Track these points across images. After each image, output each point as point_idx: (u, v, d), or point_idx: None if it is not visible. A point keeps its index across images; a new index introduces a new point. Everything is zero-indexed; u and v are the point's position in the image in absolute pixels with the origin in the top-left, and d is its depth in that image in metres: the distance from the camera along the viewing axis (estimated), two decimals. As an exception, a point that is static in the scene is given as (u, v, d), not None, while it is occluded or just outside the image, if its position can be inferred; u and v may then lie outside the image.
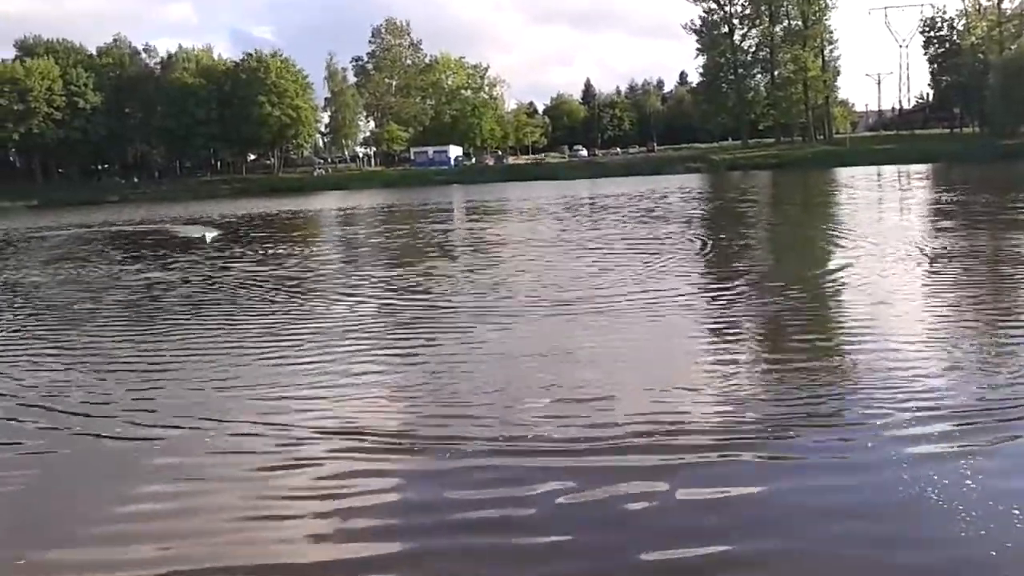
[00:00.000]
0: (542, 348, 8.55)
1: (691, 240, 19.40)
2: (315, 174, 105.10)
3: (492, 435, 5.89)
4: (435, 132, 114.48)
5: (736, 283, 12.60)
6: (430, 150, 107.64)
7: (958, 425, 5.59)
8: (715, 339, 8.96)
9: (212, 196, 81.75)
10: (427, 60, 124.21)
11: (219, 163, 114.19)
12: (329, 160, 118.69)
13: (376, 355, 8.74)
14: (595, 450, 5.50)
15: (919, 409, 5.94)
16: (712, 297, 11.63)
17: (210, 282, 15.73)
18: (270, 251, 21.77)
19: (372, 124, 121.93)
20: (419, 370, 7.93)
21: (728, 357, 7.97)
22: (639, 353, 8.24)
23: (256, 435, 6.15)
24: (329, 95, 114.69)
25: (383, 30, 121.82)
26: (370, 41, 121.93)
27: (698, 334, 9.28)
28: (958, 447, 5.20)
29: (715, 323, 9.90)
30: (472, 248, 20.34)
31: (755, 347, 8.60)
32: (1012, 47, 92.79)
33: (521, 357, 8.21)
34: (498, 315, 10.68)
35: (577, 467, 5.26)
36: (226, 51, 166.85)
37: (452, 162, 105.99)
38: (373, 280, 14.89)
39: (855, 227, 20.87)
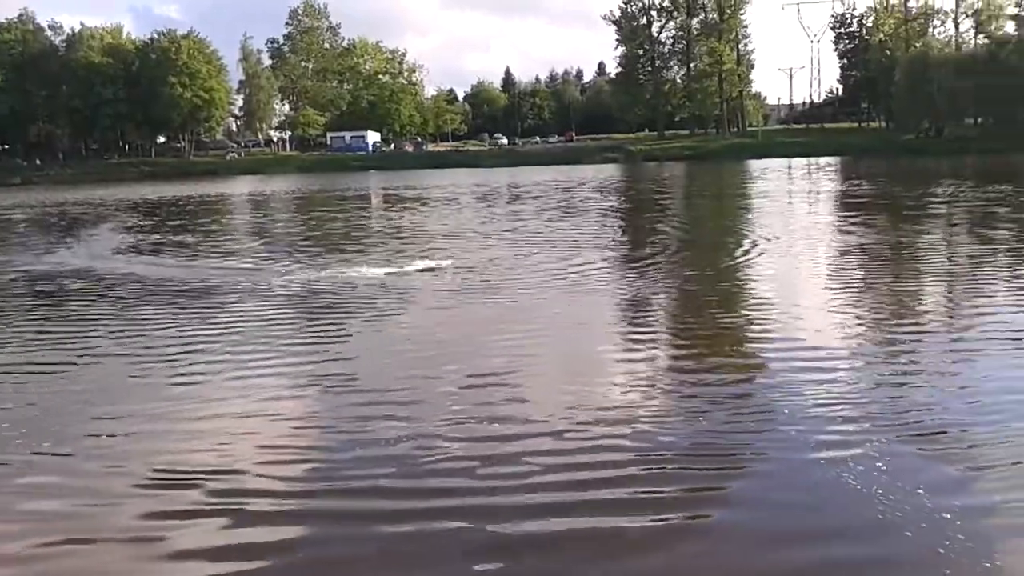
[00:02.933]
0: (452, 337, 8.45)
1: (607, 231, 19.50)
2: (228, 158, 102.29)
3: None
4: (353, 117, 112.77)
5: (649, 272, 12.66)
6: (347, 135, 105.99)
7: (863, 418, 5.67)
8: (626, 332, 8.95)
9: (120, 179, 78.98)
10: (345, 44, 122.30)
11: (127, 145, 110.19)
12: (242, 144, 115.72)
13: (263, 365, 7.97)
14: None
15: (823, 402, 6.05)
16: (624, 288, 11.63)
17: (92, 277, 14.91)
18: (170, 239, 21.09)
19: (287, 108, 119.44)
20: (314, 378, 7.69)
21: (637, 347, 7.96)
22: (547, 345, 8.17)
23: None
24: (243, 77, 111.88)
25: (300, 12, 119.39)
26: (287, 23, 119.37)
27: (609, 328, 9.27)
28: (863, 438, 5.26)
29: (626, 316, 9.91)
30: (390, 236, 20.00)
31: (662, 337, 8.62)
32: (917, 44, 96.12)
33: (422, 358, 8.07)
34: (414, 306, 10.49)
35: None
36: (129, 28, 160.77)
37: (370, 148, 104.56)
38: (282, 269, 14.50)
39: (766, 219, 21.32)
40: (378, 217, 27.47)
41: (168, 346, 8.51)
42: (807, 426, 5.50)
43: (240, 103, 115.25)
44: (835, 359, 7.15)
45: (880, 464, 4.83)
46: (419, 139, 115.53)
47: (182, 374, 7.40)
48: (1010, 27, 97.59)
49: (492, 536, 4.20)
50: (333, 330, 9.11)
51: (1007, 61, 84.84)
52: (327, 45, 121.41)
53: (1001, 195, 25.12)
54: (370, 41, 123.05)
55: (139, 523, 4.49)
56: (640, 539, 4.17)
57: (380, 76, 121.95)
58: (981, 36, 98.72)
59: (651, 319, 9.58)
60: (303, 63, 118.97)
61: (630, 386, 6.51)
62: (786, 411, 5.80)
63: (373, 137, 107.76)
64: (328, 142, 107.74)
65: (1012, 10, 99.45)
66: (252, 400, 6.51)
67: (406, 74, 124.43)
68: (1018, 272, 11.75)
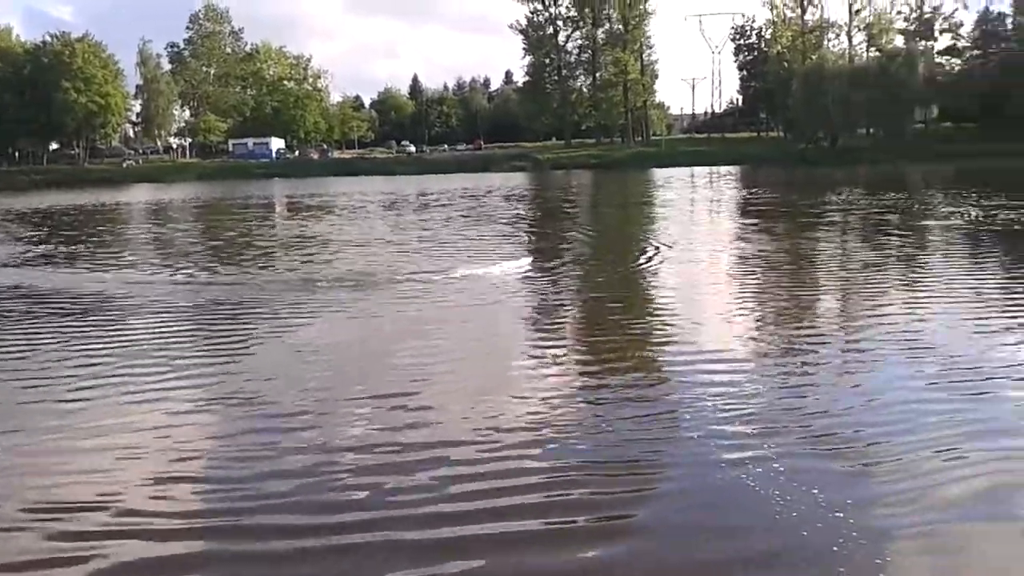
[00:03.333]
0: (358, 350, 8.26)
1: (516, 239, 19.50)
2: (124, 165, 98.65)
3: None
4: (256, 123, 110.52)
5: (558, 280, 12.67)
6: (250, 142, 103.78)
7: (764, 423, 5.72)
8: (535, 343, 8.90)
9: (10, 188, 75.30)
10: (248, 49, 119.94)
11: (17, 153, 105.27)
12: (140, 151, 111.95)
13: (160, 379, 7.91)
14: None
15: (724, 404, 6.10)
16: (533, 297, 11.61)
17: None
18: (62, 250, 20.18)
19: (188, 114, 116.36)
20: (208, 390, 7.40)
21: (545, 358, 7.90)
22: (455, 358, 8.05)
23: None
24: (141, 82, 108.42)
25: (202, 16, 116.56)
26: (187, 27, 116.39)
27: (517, 339, 9.20)
28: (764, 443, 5.30)
29: (534, 326, 9.87)
30: (294, 246, 19.54)
31: (570, 347, 8.59)
32: (813, 56, 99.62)
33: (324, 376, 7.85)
34: (320, 319, 10.22)
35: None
36: (19, 30, 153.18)
37: (274, 155, 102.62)
38: (178, 281, 13.99)
39: (671, 227, 21.67)
40: (282, 226, 26.87)
41: (53, 364, 8.05)
42: (711, 433, 5.53)
43: (138, 109, 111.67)
44: (737, 365, 7.24)
45: (780, 467, 4.93)
46: (325, 146, 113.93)
47: (66, 395, 6.94)
48: (899, 41, 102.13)
49: (397, 563, 4.04)
50: (234, 345, 8.75)
51: (896, 74, 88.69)
52: (229, 50, 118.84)
53: (892, 203, 26.12)
54: (274, 46, 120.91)
55: (6, 562, 4.14)
56: (552, 551, 4.12)
57: (284, 82, 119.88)
58: (873, 49, 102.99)
59: (559, 328, 9.55)
60: (204, 68, 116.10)
61: (538, 398, 6.43)
62: (690, 418, 5.83)
63: (277, 144, 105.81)
64: (230, 149, 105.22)
65: (900, 25, 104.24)
66: (143, 423, 6.15)
67: (311, 80, 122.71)
68: (909, 278, 12.16)
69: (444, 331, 9.05)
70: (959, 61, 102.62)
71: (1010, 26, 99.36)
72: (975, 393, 6.22)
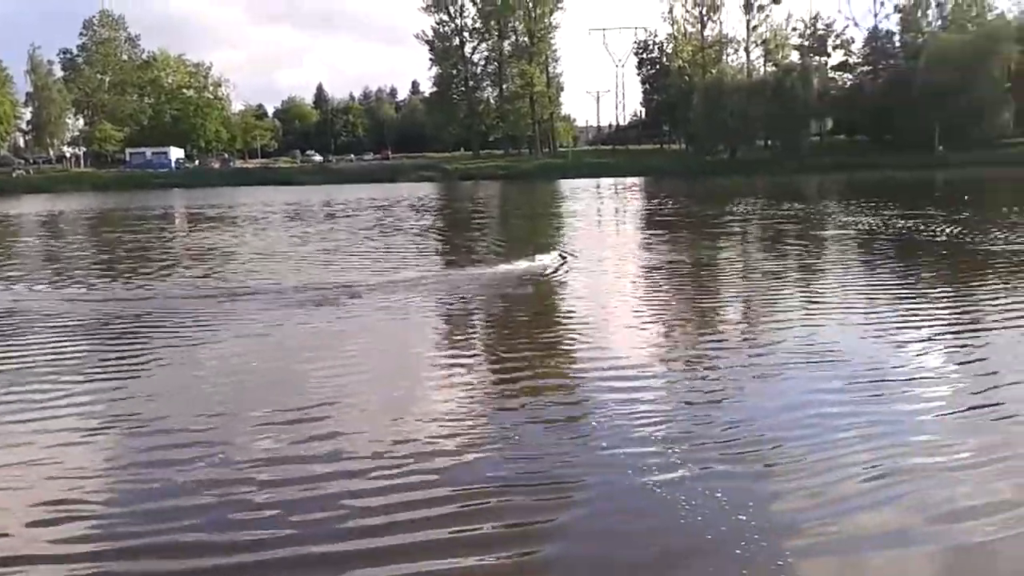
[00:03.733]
0: (263, 367, 7.99)
1: (425, 250, 19.35)
2: (14, 175, 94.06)
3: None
4: (155, 132, 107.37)
5: (466, 292, 12.58)
6: (148, 151, 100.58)
7: (675, 434, 5.73)
8: (444, 358, 8.77)
9: None
10: (145, 56, 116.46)
11: None
12: (31, 160, 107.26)
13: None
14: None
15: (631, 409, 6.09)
16: (442, 309, 11.51)
17: None
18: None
19: (82, 122, 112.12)
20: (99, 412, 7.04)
21: (455, 373, 7.78)
22: (363, 375, 7.86)
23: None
24: (32, 90, 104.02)
25: (96, 22, 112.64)
26: (81, 33, 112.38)
27: (426, 353, 9.05)
28: (674, 454, 5.31)
29: (443, 340, 9.76)
30: (195, 258, 18.92)
31: (480, 361, 8.49)
32: (713, 71, 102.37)
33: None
34: (223, 334, 9.86)
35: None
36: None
37: (173, 164, 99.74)
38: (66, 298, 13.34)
39: (579, 237, 21.85)
40: (182, 238, 26.03)
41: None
42: (623, 445, 5.52)
43: (28, 117, 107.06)
44: (645, 374, 7.27)
45: (686, 472, 5.01)
46: (226, 155, 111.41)
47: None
48: (795, 56, 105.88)
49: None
50: (130, 363, 8.35)
51: (792, 88, 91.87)
52: (125, 57, 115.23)
53: (791, 214, 26.95)
54: (173, 54, 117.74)
55: None
56: (463, 566, 4.05)
57: (184, 90, 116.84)
58: (770, 64, 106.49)
59: (468, 341, 9.43)
60: (99, 75, 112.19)
61: (450, 415, 6.30)
62: (602, 431, 5.80)
63: (176, 153, 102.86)
64: (127, 158, 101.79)
65: (795, 41, 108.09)
66: (31, 447, 5.79)
67: (211, 88, 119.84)
68: (810, 286, 12.49)
69: (350, 345, 8.84)
70: (851, 76, 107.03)
71: (898, 43, 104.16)
72: (874, 395, 6.39)
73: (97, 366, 8.31)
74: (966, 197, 34.03)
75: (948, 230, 19.32)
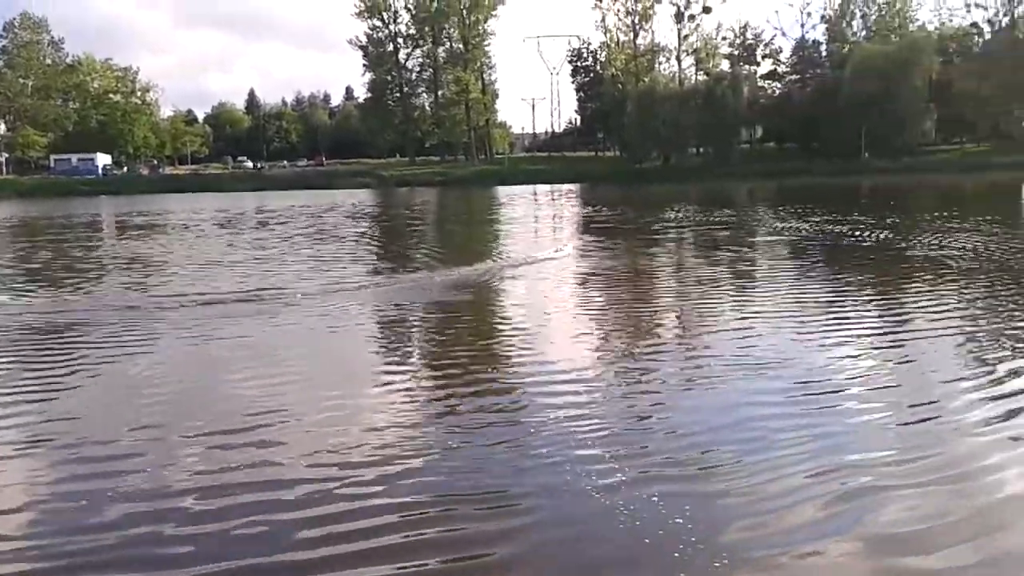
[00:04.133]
0: (194, 380, 7.77)
1: (361, 258, 19.13)
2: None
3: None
4: (80, 138, 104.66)
5: (405, 300, 12.46)
6: (74, 158, 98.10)
7: (615, 444, 5.72)
8: (381, 367, 8.65)
9: None
10: (69, 60, 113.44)
11: None
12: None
13: None
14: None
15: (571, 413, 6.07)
16: (379, 318, 11.38)
17: None
18: None
19: (3, 128, 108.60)
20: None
21: (393, 383, 7.66)
22: (298, 385, 7.68)
23: None
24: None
25: (17, 24, 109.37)
26: (0, 35, 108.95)
27: (363, 363, 8.92)
28: (615, 462, 5.29)
29: (380, 349, 9.63)
30: (122, 267, 18.39)
31: (418, 370, 8.40)
32: (646, 79, 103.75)
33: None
34: (151, 347, 9.56)
35: None
36: None
37: (100, 171, 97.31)
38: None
39: (516, 244, 21.87)
40: (109, 246, 25.31)
41: None
42: (562, 452, 5.47)
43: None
44: (586, 382, 7.24)
45: (623, 477, 4.99)
46: (156, 161, 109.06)
47: None
48: (725, 65, 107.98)
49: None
50: (52, 377, 8.02)
51: (723, 97, 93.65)
52: (49, 61, 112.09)
53: (725, 220, 27.39)
54: (98, 58, 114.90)
55: None
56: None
57: (110, 95, 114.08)
58: (701, 73, 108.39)
59: (406, 350, 9.31)
60: (21, 79, 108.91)
61: (388, 428, 6.16)
62: (540, 438, 5.74)
63: (104, 159, 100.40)
64: (52, 165, 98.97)
65: (726, 50, 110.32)
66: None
67: (139, 93, 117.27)
68: (747, 292, 12.64)
69: (285, 355, 8.64)
70: (779, 85, 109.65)
71: (824, 53, 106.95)
72: (809, 399, 6.45)
73: (18, 381, 7.98)
74: (891, 203, 35.06)
75: (875, 235, 19.81)
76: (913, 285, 12.64)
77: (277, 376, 7.69)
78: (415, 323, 11.03)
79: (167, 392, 7.30)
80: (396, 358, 8.84)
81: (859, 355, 8.04)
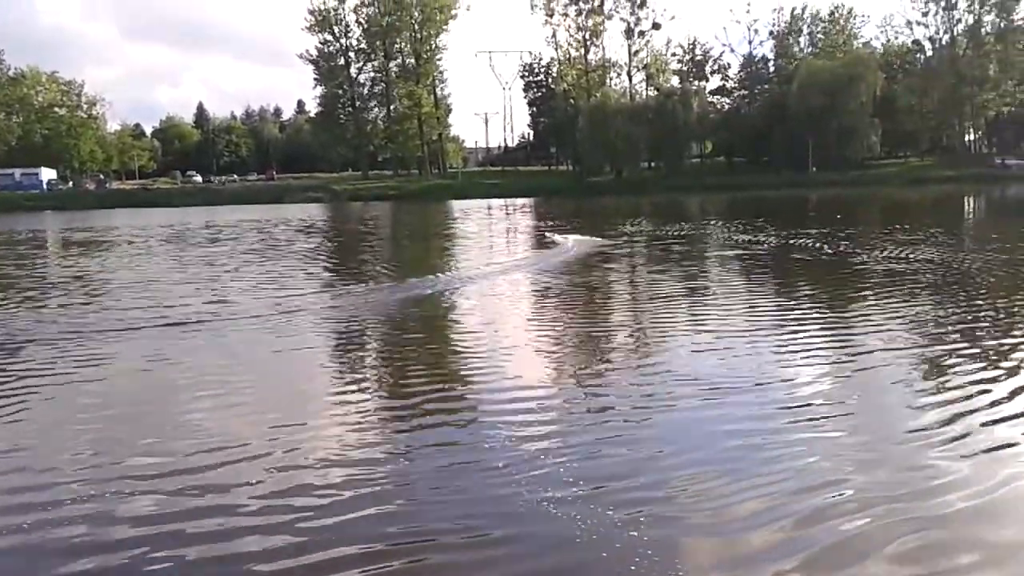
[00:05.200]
0: (144, 404, 7.53)
1: (314, 274, 18.90)
2: None
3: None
4: (24, 153, 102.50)
5: (359, 317, 12.30)
6: (17, 172, 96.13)
7: (572, 467, 5.65)
8: (335, 388, 8.48)
9: None
10: (12, 73, 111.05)
11: None
12: None
13: None
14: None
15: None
16: (332, 337, 11.20)
17: None
18: None
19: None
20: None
21: (348, 404, 7.52)
22: (250, 407, 7.49)
23: None
24: None
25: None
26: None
27: (317, 383, 8.75)
28: (558, 466, 5.23)
29: (335, 369, 9.46)
30: (68, 287, 17.92)
31: (373, 392, 8.25)
32: (597, 94, 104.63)
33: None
34: (94, 372, 9.28)
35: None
36: None
37: (45, 186, 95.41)
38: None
39: (471, 259, 21.78)
40: (53, 264, 24.70)
41: None
42: (521, 471, 5.38)
43: None
44: (542, 399, 7.16)
45: (579, 492, 4.95)
46: (102, 176, 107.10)
47: None
48: (675, 81, 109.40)
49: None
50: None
51: (673, 111, 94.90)
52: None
53: (679, 233, 27.56)
54: (43, 71, 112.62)
55: None
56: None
57: (55, 108, 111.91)
58: (651, 88, 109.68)
59: (361, 371, 9.09)
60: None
61: (344, 456, 5.96)
62: (500, 460, 5.63)
63: (48, 174, 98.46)
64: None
65: (675, 66, 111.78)
66: None
67: (85, 107, 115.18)
68: (702, 307, 12.63)
69: (234, 379, 8.40)
70: (728, 100, 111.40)
71: (772, 69, 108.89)
72: (770, 416, 6.44)
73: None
74: (838, 215, 35.66)
75: (824, 247, 20.11)
76: (867, 297, 12.71)
77: (225, 401, 7.48)
78: (371, 341, 10.86)
79: (108, 419, 7.04)
80: (350, 379, 8.65)
81: (814, 367, 8.07)
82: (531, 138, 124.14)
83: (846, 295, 13.24)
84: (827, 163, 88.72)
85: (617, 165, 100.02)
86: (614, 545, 4.36)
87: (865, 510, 4.71)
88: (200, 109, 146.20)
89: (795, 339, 9.54)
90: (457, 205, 64.63)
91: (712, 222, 33.66)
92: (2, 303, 14.93)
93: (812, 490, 5.01)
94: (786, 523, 4.58)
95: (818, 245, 20.89)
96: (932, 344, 9.05)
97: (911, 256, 17.50)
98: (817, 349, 8.99)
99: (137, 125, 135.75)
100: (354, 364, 9.39)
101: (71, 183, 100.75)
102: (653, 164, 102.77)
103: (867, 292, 13.31)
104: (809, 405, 6.79)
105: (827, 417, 6.46)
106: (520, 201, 70.09)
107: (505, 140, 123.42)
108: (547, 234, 29.45)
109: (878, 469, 5.36)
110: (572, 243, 24.17)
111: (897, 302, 11.99)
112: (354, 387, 8.11)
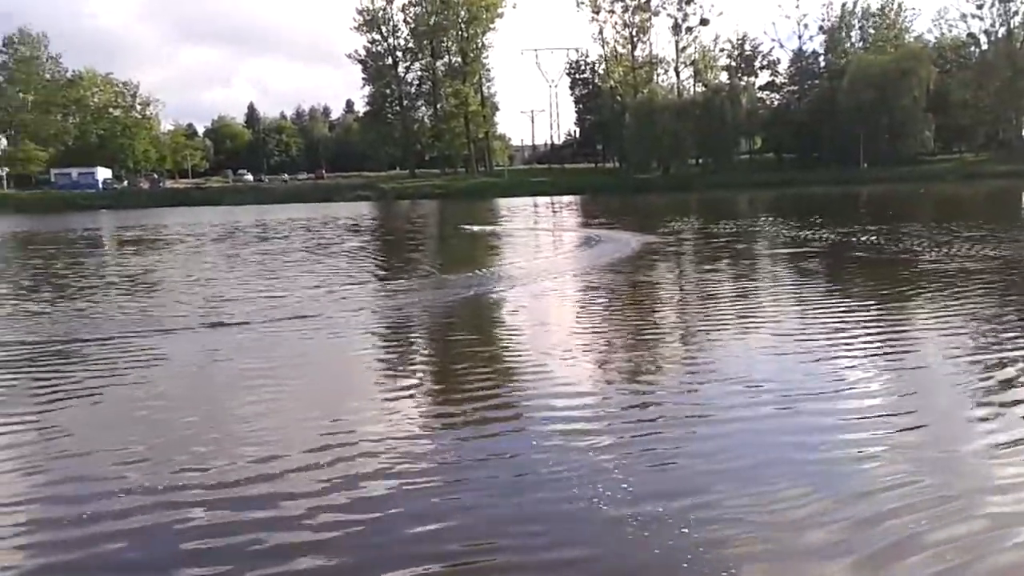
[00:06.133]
0: (189, 402, 7.53)
1: (363, 273, 18.91)
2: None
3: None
4: (81, 153, 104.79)
5: (409, 316, 12.26)
6: (74, 172, 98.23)
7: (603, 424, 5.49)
8: (382, 385, 8.40)
9: None
10: (69, 75, 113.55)
11: None
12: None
13: None
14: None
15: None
16: (383, 335, 11.16)
17: None
18: None
19: (4, 143, 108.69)
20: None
21: (399, 400, 7.44)
22: (299, 404, 7.44)
23: None
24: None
25: (16, 40, 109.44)
26: (0, 51, 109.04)
27: (364, 383, 8.67)
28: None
29: (383, 365, 9.39)
30: (115, 287, 18.16)
31: (426, 389, 8.15)
32: (644, 91, 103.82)
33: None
34: (151, 373, 9.33)
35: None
36: None
37: (100, 185, 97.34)
38: None
39: (518, 257, 21.63)
40: (109, 264, 25.10)
41: None
42: (588, 498, 5.11)
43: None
44: (593, 404, 7.02)
45: (628, 496, 4.79)
46: (156, 175, 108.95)
47: None
48: (723, 76, 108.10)
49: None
50: (49, 400, 7.77)
51: (721, 107, 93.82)
52: (48, 76, 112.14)
53: (726, 231, 27.11)
54: (99, 72, 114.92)
55: None
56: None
57: (111, 109, 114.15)
58: (699, 84, 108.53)
59: (413, 374, 8.96)
60: (21, 94, 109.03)
61: (397, 463, 5.88)
62: (561, 478, 5.46)
63: (104, 174, 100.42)
64: (52, 179, 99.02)
65: (724, 61, 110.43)
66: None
67: (139, 107, 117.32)
68: (759, 308, 12.24)
69: (285, 382, 8.31)
70: (778, 96, 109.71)
71: (822, 64, 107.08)
72: (827, 427, 6.20)
73: (12, 404, 7.74)
74: (890, 212, 34.87)
75: (888, 244, 19.58)
76: (934, 298, 12.21)
77: (275, 406, 7.38)
78: (421, 343, 10.77)
79: (171, 420, 7.04)
80: (402, 384, 8.42)
81: (877, 376, 7.77)
82: (577, 135, 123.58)
83: (918, 295, 12.75)
84: (878, 159, 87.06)
85: (664, 162, 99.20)
86: (690, 568, 4.15)
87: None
88: (251, 109, 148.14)
89: (868, 342, 9.20)
90: (503, 203, 64.58)
91: (763, 219, 33.05)
92: (58, 302, 15.15)
93: (866, 497, 4.80)
94: (840, 530, 4.41)
95: (881, 242, 20.37)
96: (1013, 347, 8.67)
97: (980, 253, 16.93)
98: (890, 353, 8.66)
99: (190, 125, 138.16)
100: (405, 368, 9.28)
101: (126, 182, 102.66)
102: (700, 161, 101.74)
103: (940, 292, 12.77)
104: (888, 415, 6.51)
105: (897, 426, 6.21)
106: (566, 199, 69.84)
107: (551, 138, 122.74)
108: (594, 231, 29.21)
109: (949, 473, 5.14)
110: (621, 240, 23.90)
111: (973, 302, 11.54)
112: (406, 392, 7.99)
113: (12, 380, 9.01)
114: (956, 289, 12.86)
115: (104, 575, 4.34)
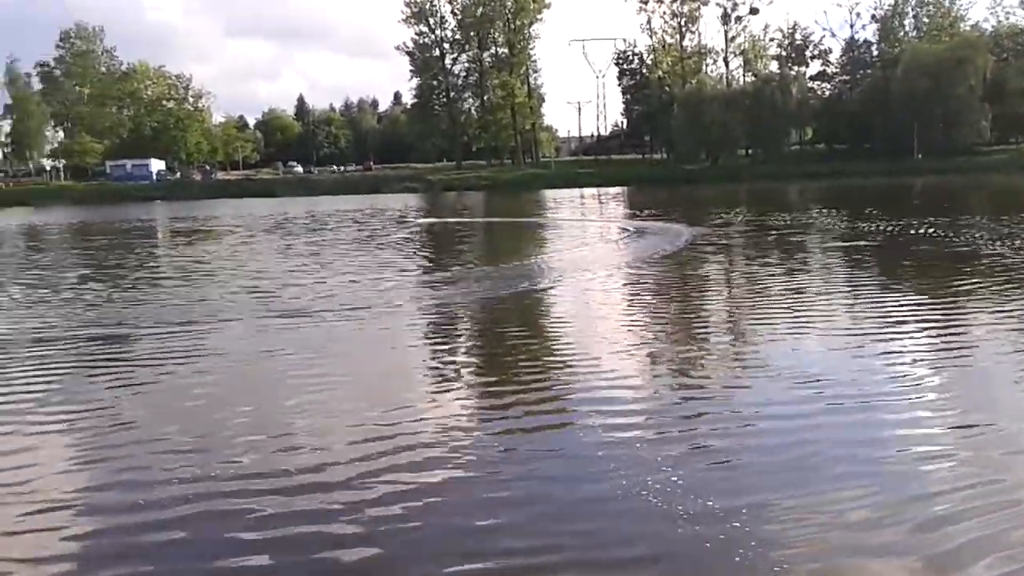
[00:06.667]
0: (242, 391, 7.63)
1: (412, 263, 19.00)
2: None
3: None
4: (135, 145, 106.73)
5: (456, 309, 12.29)
6: (128, 163, 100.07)
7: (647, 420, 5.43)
8: (430, 374, 8.42)
9: None
10: (124, 68, 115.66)
11: None
12: (10, 173, 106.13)
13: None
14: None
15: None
16: (434, 326, 11.20)
17: None
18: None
19: (61, 135, 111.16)
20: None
21: (441, 399, 7.45)
22: (350, 394, 7.49)
23: None
24: (10, 102, 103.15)
25: (73, 34, 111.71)
26: (58, 45, 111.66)
27: (412, 372, 8.69)
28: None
29: (430, 354, 9.40)
30: (171, 277, 18.48)
31: (472, 382, 8.16)
32: (693, 81, 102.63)
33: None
34: (202, 360, 9.47)
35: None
36: None
37: (154, 176, 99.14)
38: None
39: (564, 249, 21.57)
40: (162, 254, 25.57)
41: None
42: (650, 499, 5.05)
43: (7, 130, 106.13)
44: (639, 400, 7.03)
45: (679, 489, 4.63)
46: (208, 167, 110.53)
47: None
48: (774, 66, 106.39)
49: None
50: (112, 388, 7.93)
51: (771, 98, 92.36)
52: (104, 69, 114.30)
53: (778, 223, 26.65)
54: (152, 65, 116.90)
55: None
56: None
57: (164, 102, 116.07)
58: (749, 74, 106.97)
59: (462, 369, 8.91)
60: (77, 88, 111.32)
61: (453, 456, 5.90)
62: (619, 478, 5.39)
63: (157, 165, 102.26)
64: (107, 171, 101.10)
65: (774, 51, 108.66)
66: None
67: (192, 100, 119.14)
68: (815, 303, 12.04)
69: (335, 376, 8.32)
70: (829, 86, 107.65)
71: (875, 53, 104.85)
72: (879, 429, 6.08)
73: (78, 389, 7.92)
74: (945, 204, 34.06)
75: (951, 237, 19.13)
76: (998, 296, 11.91)
77: (325, 398, 7.42)
78: (469, 337, 10.80)
79: (226, 411, 7.12)
80: (451, 380, 8.34)
81: (935, 377, 7.59)
82: (624, 126, 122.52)
83: (981, 289, 12.32)
84: (932, 149, 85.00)
85: (712, 153, 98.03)
86: (746, 568, 4.06)
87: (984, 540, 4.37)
88: (300, 101, 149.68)
89: (930, 338, 9.00)
90: (550, 194, 64.38)
91: (815, 210, 32.41)
92: (113, 291, 15.44)
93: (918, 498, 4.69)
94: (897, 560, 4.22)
95: (939, 234, 19.90)
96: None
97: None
98: (953, 349, 8.44)
99: (241, 117, 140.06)
100: (454, 363, 9.21)
101: (179, 173, 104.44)
102: (749, 151, 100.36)
103: (1004, 286, 12.33)
104: (950, 413, 6.36)
105: (959, 424, 6.06)
106: (613, 190, 69.39)
107: (598, 129, 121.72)
108: (643, 223, 29.00)
109: (1014, 474, 5.01)
110: (671, 232, 23.70)
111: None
112: (454, 385, 8.01)
113: (72, 368, 9.23)
114: (1021, 284, 12.53)
115: (160, 562, 4.40)
